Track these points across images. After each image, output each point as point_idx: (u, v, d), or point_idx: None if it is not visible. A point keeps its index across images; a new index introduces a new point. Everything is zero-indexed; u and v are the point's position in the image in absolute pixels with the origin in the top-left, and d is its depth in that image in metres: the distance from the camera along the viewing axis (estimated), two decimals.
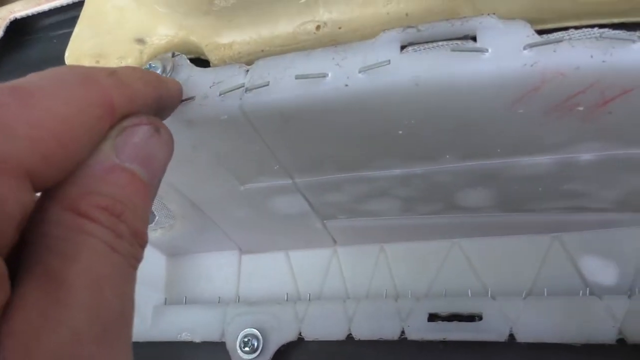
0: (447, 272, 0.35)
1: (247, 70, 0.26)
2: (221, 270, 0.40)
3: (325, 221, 0.35)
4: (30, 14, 0.38)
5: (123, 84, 0.18)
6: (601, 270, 0.31)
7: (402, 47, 0.23)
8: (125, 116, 0.18)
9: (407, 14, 0.23)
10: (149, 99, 0.19)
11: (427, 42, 0.23)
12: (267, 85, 0.24)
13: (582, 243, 0.32)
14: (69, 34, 0.39)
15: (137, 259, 0.17)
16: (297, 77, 0.24)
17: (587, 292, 0.31)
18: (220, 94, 0.25)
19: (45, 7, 0.38)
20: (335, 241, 0.38)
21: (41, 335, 0.14)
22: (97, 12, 0.32)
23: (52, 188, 0.16)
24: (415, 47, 0.23)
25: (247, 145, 0.27)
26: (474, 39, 0.23)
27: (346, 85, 0.23)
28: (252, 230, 0.37)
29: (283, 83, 0.24)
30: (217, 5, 0.25)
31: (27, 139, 0.14)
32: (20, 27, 0.39)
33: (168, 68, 0.27)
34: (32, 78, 0.16)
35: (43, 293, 0.14)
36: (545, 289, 0.32)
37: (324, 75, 0.23)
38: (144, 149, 0.18)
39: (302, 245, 0.38)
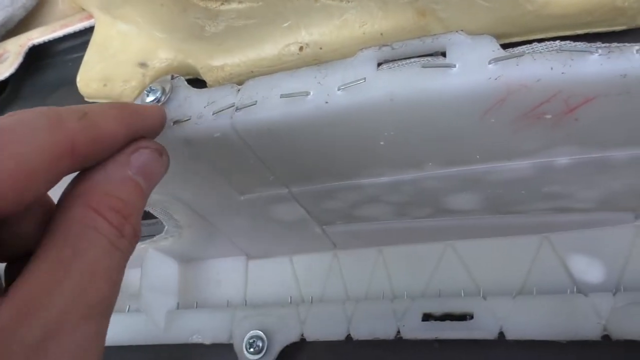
0: (442, 272, 0.36)
1: (239, 90, 0.28)
2: (229, 275, 0.42)
3: (324, 226, 0.37)
4: (46, 40, 0.41)
5: (91, 125, 0.20)
6: (588, 269, 0.32)
7: (379, 64, 0.25)
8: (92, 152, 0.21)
9: (381, 34, 0.25)
10: (119, 137, 0.22)
11: (401, 59, 0.25)
12: (255, 104, 0.26)
13: (569, 242, 0.33)
14: (82, 58, 0.42)
15: (131, 253, 0.21)
16: (282, 96, 0.26)
17: (575, 290, 0.32)
18: (213, 113, 0.27)
19: (60, 33, 0.41)
20: (335, 245, 0.39)
21: (37, 305, 0.17)
22: (104, 38, 0.35)
23: (76, 185, 0.20)
24: (390, 64, 0.25)
25: (241, 160, 0.29)
26: (444, 54, 0.24)
27: (326, 102, 0.25)
28: (256, 236, 0.39)
29: (269, 102, 0.26)
30: (208, 32, 0.27)
31: None
32: (38, 53, 0.42)
33: (167, 90, 0.29)
34: (2, 120, 0.19)
35: (50, 274, 0.18)
36: (535, 288, 0.33)
37: (307, 94, 0.25)
38: (148, 167, 0.23)
39: (304, 249, 0.40)
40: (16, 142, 0.18)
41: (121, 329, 0.41)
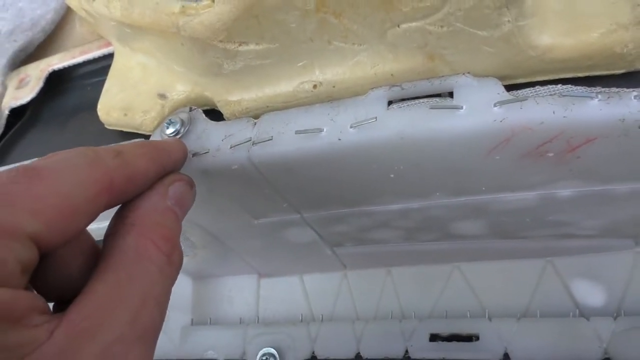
0: (449, 293, 0.37)
1: (255, 124, 0.29)
2: (242, 293, 0.44)
3: (334, 248, 0.38)
4: (66, 66, 0.43)
5: (126, 163, 0.22)
6: (590, 293, 0.33)
7: (389, 103, 0.26)
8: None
9: (392, 75, 0.26)
10: (150, 173, 0.23)
11: (410, 99, 0.26)
12: (271, 139, 0.27)
13: (572, 267, 0.34)
14: (101, 82, 0.43)
15: (176, 279, 0.23)
16: (297, 132, 0.27)
17: (577, 313, 0.33)
18: (231, 147, 0.28)
19: (79, 59, 0.42)
20: (345, 266, 0.41)
21: (95, 326, 0.18)
22: (124, 68, 0.36)
23: (126, 215, 0.22)
24: (400, 103, 0.26)
25: (256, 189, 0.31)
26: (452, 94, 0.25)
27: (339, 140, 0.26)
28: (268, 257, 0.40)
29: (284, 137, 0.27)
30: (226, 69, 0.28)
31: (28, 210, 0.18)
32: (57, 77, 0.44)
33: (186, 122, 0.31)
34: (46, 160, 0.20)
35: (107, 296, 0.19)
36: (538, 311, 0.34)
37: (320, 130, 0.27)
38: (182, 197, 0.25)
39: (315, 269, 0.42)
40: (60, 179, 0.19)
41: None
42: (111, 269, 0.20)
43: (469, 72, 0.25)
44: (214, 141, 0.29)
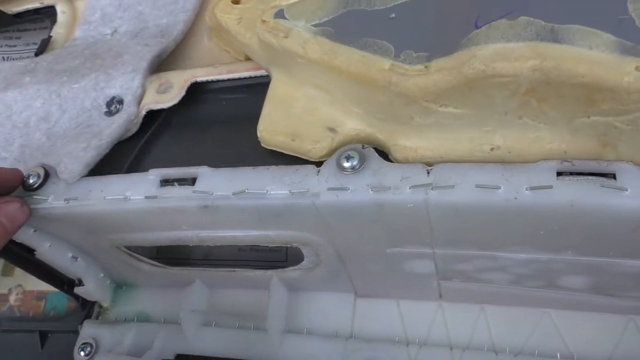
0: (538, 335, 0.42)
1: (428, 171, 0.34)
2: (338, 310, 0.48)
3: (441, 281, 0.43)
4: (209, 80, 0.47)
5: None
6: None
7: (558, 174, 0.31)
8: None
9: (565, 152, 0.31)
10: None
11: (577, 174, 0.31)
12: (452, 187, 0.32)
13: None
14: (236, 99, 0.47)
15: None
16: (477, 186, 0.32)
17: None
18: (410, 187, 0.33)
19: (225, 76, 0.46)
20: (441, 296, 0.45)
21: None
22: (286, 97, 0.40)
23: None
24: (569, 176, 0.31)
25: (416, 225, 0.35)
26: (614, 176, 0.31)
27: (515, 198, 0.31)
28: (376, 280, 0.45)
29: (464, 188, 0.32)
30: (415, 121, 0.33)
31: None
32: (197, 88, 0.47)
33: (364, 158, 0.35)
34: None
35: None
36: None
37: (498, 187, 0.32)
38: (13, 214, 0.39)
39: (412, 296, 0.46)
40: None
41: (241, 344, 0.46)
42: None
43: (631, 161, 0.31)
44: (392, 180, 0.34)
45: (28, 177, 0.42)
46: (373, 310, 0.47)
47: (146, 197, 0.39)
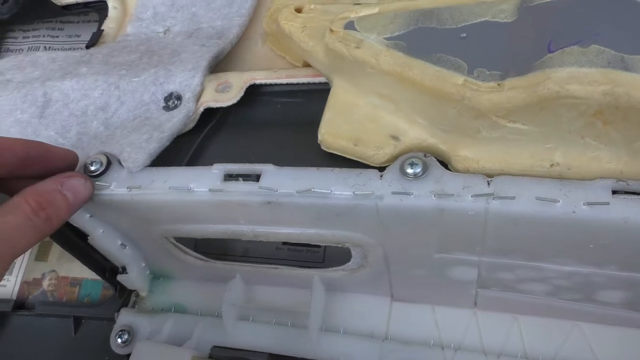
0: (569, 347, 0.44)
1: (489, 182, 0.36)
2: (373, 311, 0.49)
3: (479, 289, 0.45)
4: (266, 83, 0.49)
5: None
6: None
7: (613, 192, 0.34)
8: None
9: (621, 172, 0.34)
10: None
11: (631, 193, 0.34)
12: (513, 199, 0.34)
13: None
14: (291, 103, 0.49)
15: (42, 233, 0.35)
16: (537, 199, 0.34)
17: None
18: (472, 196, 0.35)
19: (284, 80, 0.48)
20: (476, 304, 0.48)
21: None
22: (348, 103, 0.43)
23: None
24: (624, 195, 0.34)
25: (471, 232, 0.37)
26: None
27: (574, 212, 0.33)
28: (416, 285, 0.47)
29: (524, 199, 0.34)
30: (481, 135, 0.36)
31: None
32: (254, 90, 0.49)
33: (427, 166, 0.37)
34: None
35: None
36: None
37: (556, 201, 0.34)
38: (75, 187, 0.39)
39: (448, 303, 0.48)
40: None
41: (278, 339, 0.48)
42: None
43: None
44: (454, 188, 0.36)
45: (91, 164, 0.44)
46: (408, 314, 0.49)
47: (210, 190, 0.41)
